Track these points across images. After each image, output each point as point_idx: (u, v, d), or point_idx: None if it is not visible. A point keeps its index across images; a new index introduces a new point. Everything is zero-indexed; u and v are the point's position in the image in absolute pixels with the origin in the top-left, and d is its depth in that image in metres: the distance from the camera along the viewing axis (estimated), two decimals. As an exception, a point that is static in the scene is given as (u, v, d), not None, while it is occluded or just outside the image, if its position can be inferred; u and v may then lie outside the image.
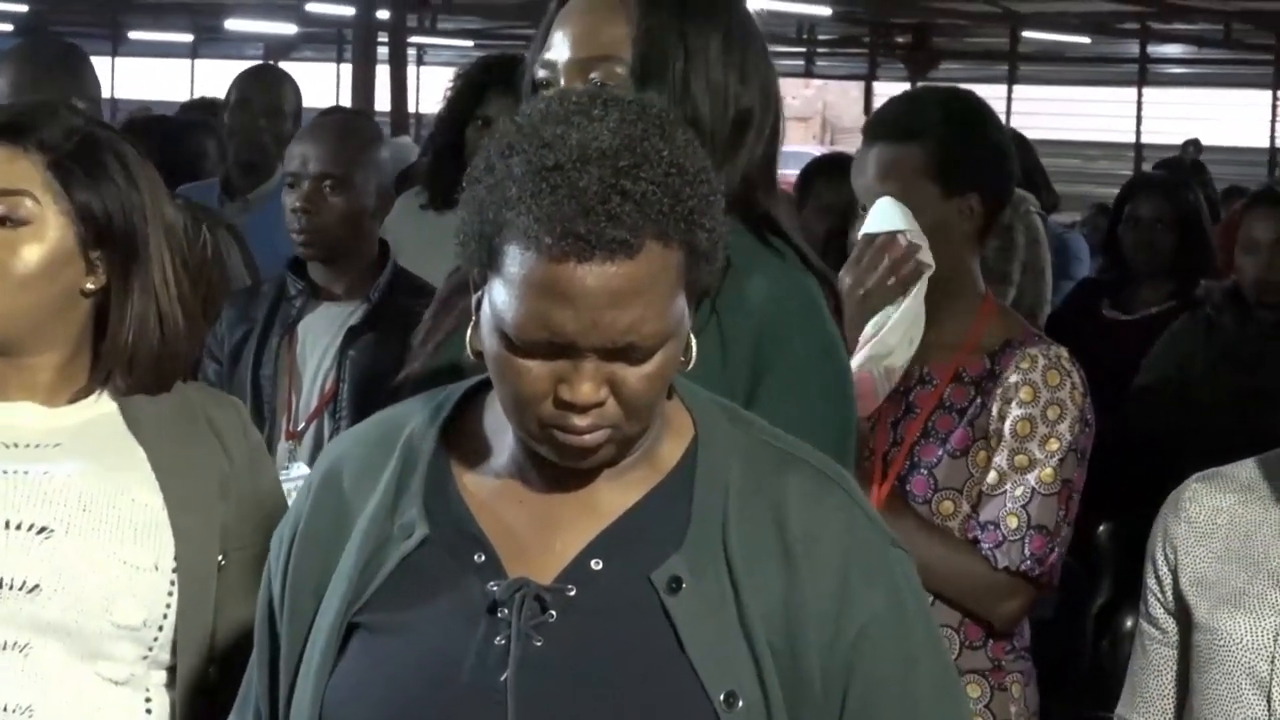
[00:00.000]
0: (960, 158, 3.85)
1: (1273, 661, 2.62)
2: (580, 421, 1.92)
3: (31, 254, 2.51)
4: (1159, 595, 2.76)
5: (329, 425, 4.21)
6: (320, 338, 4.29)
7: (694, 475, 2.04)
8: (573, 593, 2.00)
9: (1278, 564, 2.64)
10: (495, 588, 2.00)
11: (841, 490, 2.10)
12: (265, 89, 6.31)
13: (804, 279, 2.58)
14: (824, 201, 5.46)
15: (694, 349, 2.00)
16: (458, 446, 2.08)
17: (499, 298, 1.89)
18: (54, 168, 2.50)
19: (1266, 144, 25.19)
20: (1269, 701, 2.59)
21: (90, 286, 2.55)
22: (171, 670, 2.55)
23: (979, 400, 3.75)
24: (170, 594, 2.53)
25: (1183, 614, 2.71)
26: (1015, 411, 3.75)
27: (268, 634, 2.14)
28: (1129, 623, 5.34)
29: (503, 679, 1.96)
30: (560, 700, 1.97)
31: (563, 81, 2.47)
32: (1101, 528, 5.82)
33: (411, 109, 16.46)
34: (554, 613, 1.99)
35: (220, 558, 2.58)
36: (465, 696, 1.99)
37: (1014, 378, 3.76)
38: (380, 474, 2.09)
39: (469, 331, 2.01)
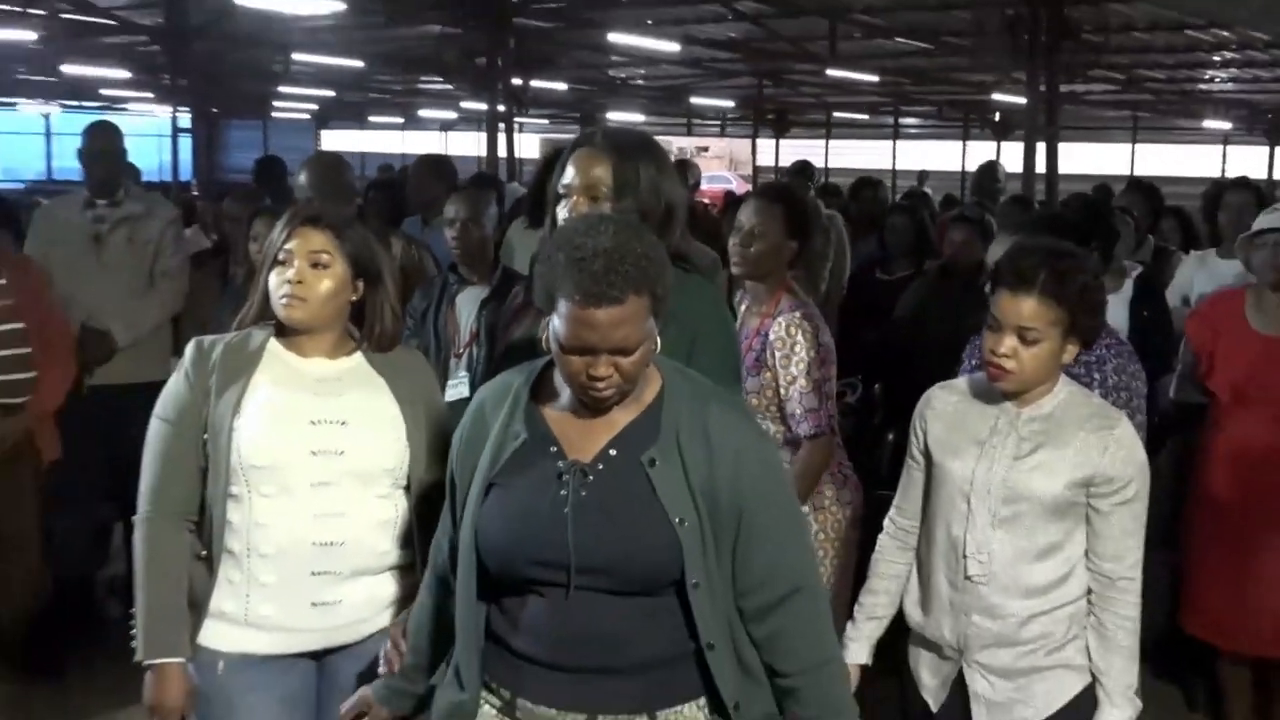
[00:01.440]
0: (795, 213, 3.93)
1: (971, 483, 2.73)
2: (600, 385, 2.09)
3: (328, 284, 2.69)
4: (916, 445, 2.89)
5: (475, 350, 4.29)
6: (468, 305, 4.39)
7: (662, 406, 2.17)
8: (601, 467, 2.14)
9: (975, 433, 2.77)
10: (561, 465, 2.15)
11: (737, 411, 2.23)
12: (424, 170, 6.17)
13: (705, 287, 2.61)
14: (732, 219, 5.34)
15: (659, 342, 2.13)
16: (540, 393, 2.23)
17: (556, 324, 2.08)
18: (337, 238, 2.70)
19: (959, 170, 24.68)
20: (968, 503, 2.73)
21: (354, 298, 2.75)
22: (404, 490, 2.73)
23: (761, 345, 3.73)
24: (405, 450, 2.71)
25: (927, 456, 2.85)
26: (777, 352, 3.71)
27: (450, 489, 2.30)
28: (890, 435, 5.35)
29: (565, 511, 2.11)
30: (594, 522, 2.10)
31: (574, 196, 2.52)
32: (876, 386, 5.77)
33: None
34: (591, 477, 2.13)
35: (424, 433, 2.73)
36: (546, 521, 2.12)
37: (773, 334, 3.73)
38: (502, 407, 2.22)
39: (541, 336, 2.20)
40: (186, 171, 19.97)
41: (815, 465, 3.71)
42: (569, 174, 2.54)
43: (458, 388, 4.23)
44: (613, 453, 2.14)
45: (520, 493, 2.14)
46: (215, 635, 2.67)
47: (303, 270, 2.66)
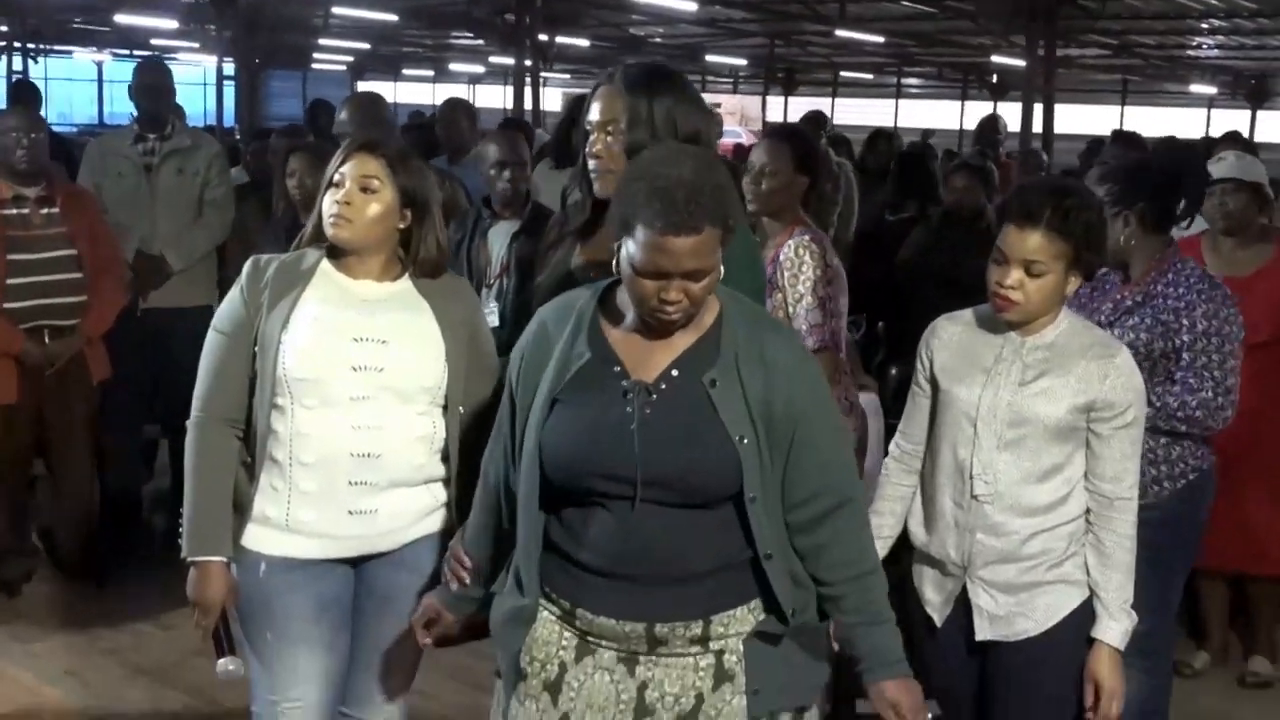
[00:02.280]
0: (804, 151, 3.95)
1: (977, 408, 2.71)
2: (671, 309, 2.07)
3: (376, 208, 2.65)
4: (923, 373, 2.86)
5: (505, 282, 4.27)
6: (500, 237, 4.37)
7: (720, 330, 2.16)
8: (663, 387, 2.12)
9: (981, 361, 2.75)
10: (625, 384, 2.12)
11: (790, 339, 2.25)
12: (455, 113, 6.15)
13: (740, 228, 2.53)
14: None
15: (722, 271, 2.10)
16: (603, 314, 2.20)
17: (631, 250, 2.05)
18: (389, 166, 2.67)
19: (958, 128, 24.56)
20: (975, 427, 2.71)
21: (401, 226, 2.70)
22: (442, 409, 2.71)
23: (773, 270, 3.72)
24: (444, 372, 2.69)
25: (933, 383, 2.83)
26: (786, 272, 3.69)
27: (509, 405, 2.25)
28: (893, 371, 5.23)
29: (632, 428, 2.09)
30: (660, 439, 2.08)
31: (594, 133, 2.53)
32: (879, 324, 5.64)
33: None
34: (654, 396, 2.11)
35: (465, 354, 2.71)
36: (615, 436, 2.09)
37: (782, 256, 3.72)
38: (565, 326, 2.19)
39: (614, 260, 2.10)
40: (230, 119, 19.88)
41: (830, 374, 3.64)
42: (591, 112, 2.54)
43: (488, 317, 4.19)
44: (674, 373, 2.12)
45: (586, 409, 2.12)
46: (257, 538, 2.65)
47: (352, 193, 2.64)
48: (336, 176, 2.66)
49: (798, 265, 3.69)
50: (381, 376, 2.62)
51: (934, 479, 2.79)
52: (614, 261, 2.10)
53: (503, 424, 2.27)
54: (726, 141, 21.81)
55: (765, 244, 3.87)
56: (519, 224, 4.31)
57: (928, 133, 20.90)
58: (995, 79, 25.40)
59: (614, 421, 2.09)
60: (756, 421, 2.08)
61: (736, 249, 2.36)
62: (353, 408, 2.60)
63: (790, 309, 3.69)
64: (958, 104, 29.00)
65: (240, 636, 2.72)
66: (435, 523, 2.73)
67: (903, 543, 2.88)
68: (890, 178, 6.72)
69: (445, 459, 2.72)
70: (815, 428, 2.15)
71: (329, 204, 2.66)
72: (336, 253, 2.71)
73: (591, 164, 2.55)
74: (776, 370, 2.12)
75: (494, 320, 4.16)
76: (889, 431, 3.76)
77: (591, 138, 2.52)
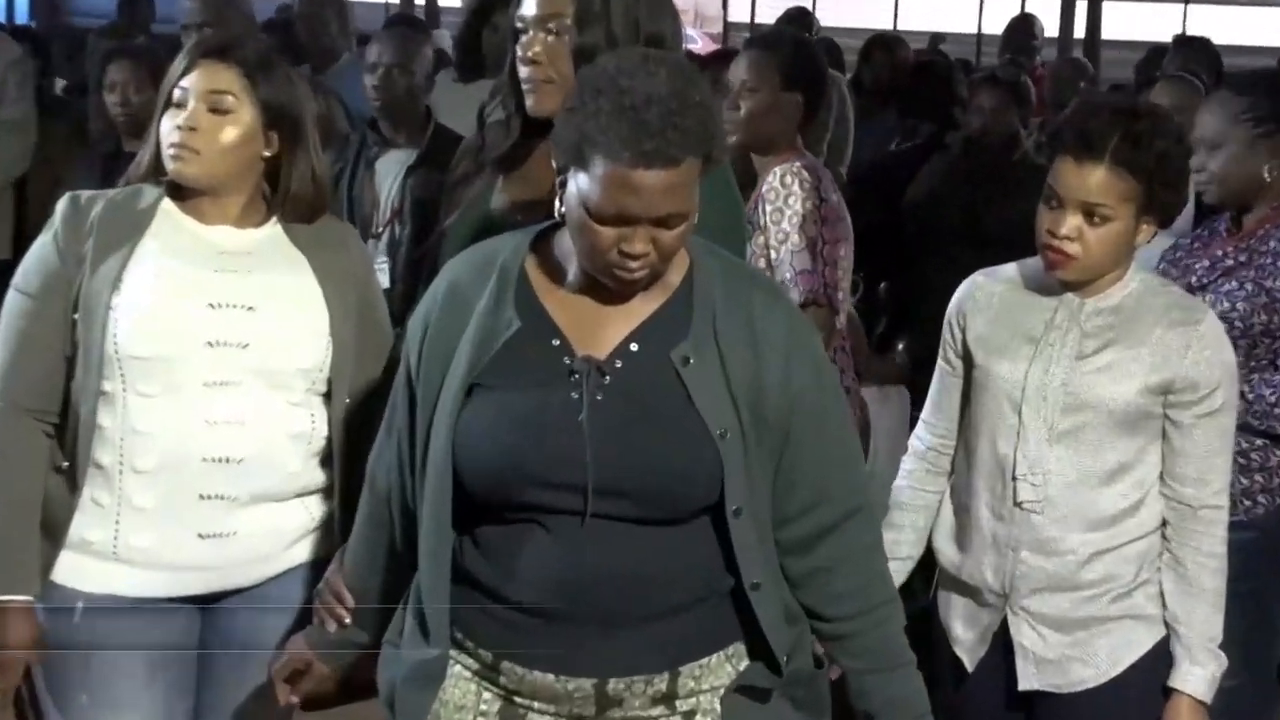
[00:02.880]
0: (797, 60, 3.95)
1: (1023, 389, 2.73)
2: (634, 264, 2.06)
3: (231, 132, 2.62)
4: (952, 345, 2.88)
5: (398, 228, 4.38)
6: (390, 171, 4.43)
7: (692, 291, 2.17)
8: (619, 365, 2.12)
9: (1028, 328, 2.77)
10: (569, 361, 2.12)
11: (785, 302, 2.28)
12: (320, 9, 6.09)
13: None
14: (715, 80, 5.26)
15: (697, 216, 2.10)
16: (536, 269, 2.19)
17: (584, 186, 2.03)
18: (247, 76, 2.64)
19: (975, 31, 24.81)
20: (1019, 414, 2.73)
21: (266, 155, 2.69)
22: (325, 396, 2.70)
23: (754, 207, 3.76)
24: (327, 349, 2.68)
25: (967, 358, 2.85)
26: (768, 208, 3.73)
27: (406, 390, 2.24)
28: (899, 345, 5.24)
29: (580, 419, 2.08)
30: (616, 433, 2.09)
31: (530, 31, 2.52)
32: (882, 285, 5.66)
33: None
34: (609, 378, 2.11)
35: (354, 325, 2.71)
36: (555, 431, 2.09)
37: (765, 187, 3.76)
38: (485, 286, 2.18)
39: (557, 201, 2.10)
40: (23, 13, 19.52)
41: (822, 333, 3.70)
42: (525, 4, 2.53)
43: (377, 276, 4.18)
44: (634, 348, 2.12)
45: (517, 396, 2.11)
46: (75, 570, 2.62)
47: (199, 114, 2.61)
48: (177, 93, 2.64)
49: (783, 197, 3.72)
50: (246, 355, 2.61)
51: (967, 482, 2.80)
52: (556, 200, 2.09)
53: (396, 416, 2.26)
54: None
55: (754, 186, 3.88)
56: (416, 153, 4.31)
57: (937, 37, 20.92)
58: (1023, -32, 25.64)
59: (555, 412, 2.08)
60: (742, 410, 2.09)
61: (713, 190, 2.36)
62: (208, 396, 2.58)
63: (773, 253, 3.72)
64: (974, 0, 29.17)
65: (49, 702, 2.66)
66: (312, 549, 2.72)
67: (925, 566, 2.91)
68: (895, 97, 6.72)
69: (326, 464, 2.71)
70: (817, 419, 2.16)
71: (169, 129, 2.63)
72: (181, 191, 2.69)
73: (524, 71, 2.53)
74: (768, 343, 2.12)
75: (383, 280, 4.12)
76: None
77: (525, 38, 2.51)
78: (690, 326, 2.12)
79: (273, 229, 2.73)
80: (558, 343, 2.13)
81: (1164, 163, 2.63)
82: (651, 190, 1.99)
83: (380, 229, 4.30)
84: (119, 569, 2.61)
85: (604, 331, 2.13)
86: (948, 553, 2.83)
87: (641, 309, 2.14)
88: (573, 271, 2.14)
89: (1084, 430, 2.66)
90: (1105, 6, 14.16)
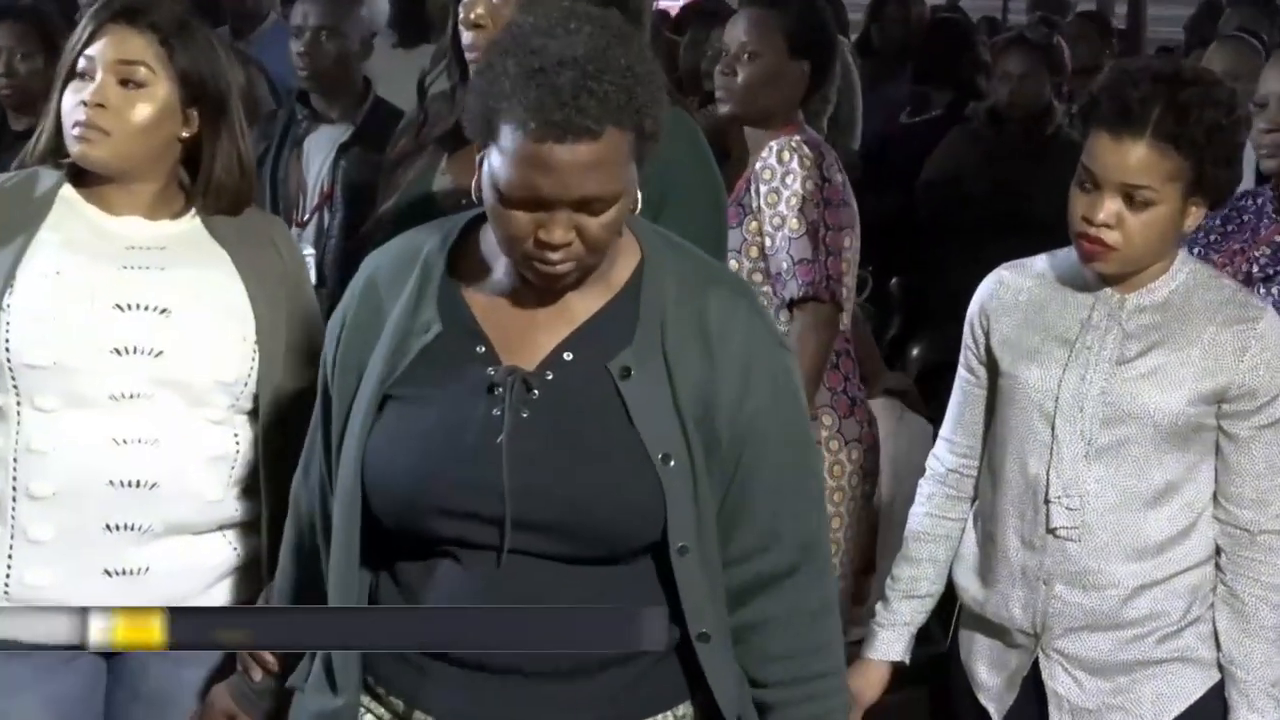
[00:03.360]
0: (803, 23, 3.95)
1: (1056, 399, 2.75)
2: (554, 256, 2.06)
3: (145, 109, 2.63)
4: (975, 351, 2.90)
5: (327, 217, 4.45)
6: (320, 151, 4.49)
7: (640, 290, 2.17)
8: (550, 377, 2.13)
9: (1061, 330, 2.79)
10: (493, 372, 2.13)
11: (747, 303, 2.24)
12: None
13: (685, 121, 2.70)
14: (696, 40, 5.26)
15: (639, 199, 2.12)
16: (462, 264, 2.21)
17: (495, 163, 2.04)
18: (163, 44, 2.65)
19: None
20: (1052, 428, 2.75)
21: (184, 135, 2.70)
22: (250, 414, 2.73)
23: (746, 187, 3.81)
24: (253, 359, 2.70)
25: (991, 365, 2.87)
26: (762, 189, 3.76)
27: (322, 403, 2.29)
28: (914, 351, 5.25)
29: (499, 440, 2.09)
30: (541, 457, 2.10)
31: None
32: (893, 280, 5.66)
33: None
34: (536, 392, 2.12)
35: (284, 332, 2.73)
36: (471, 453, 2.10)
37: (759, 165, 3.80)
38: (405, 283, 2.21)
39: (474, 181, 2.11)
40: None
41: (810, 350, 3.70)
42: None
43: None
44: (568, 357, 2.13)
45: (432, 410, 2.13)
46: None
47: (107, 88, 2.61)
48: (82, 62, 2.64)
49: (780, 175, 3.75)
50: (159, 365, 2.62)
51: (993, 506, 2.83)
52: (472, 186, 2.11)
53: (316, 430, 2.31)
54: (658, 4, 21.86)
55: (745, 164, 3.91)
56: (350, 129, 4.33)
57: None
58: (1055, -88, 25.74)
59: (473, 429, 2.10)
60: (689, 432, 2.10)
61: (675, 150, 2.37)
62: (115, 411, 2.60)
63: (767, 241, 3.75)
64: (999, -51, 29.28)
65: None
66: (235, 588, 2.74)
67: (943, 604, 2.93)
68: (909, 61, 6.76)
69: (252, 492, 2.74)
70: (772, 448, 2.16)
71: (72, 105, 2.64)
72: (84, 176, 2.70)
73: (467, 38, 2.56)
74: (724, 351, 2.13)
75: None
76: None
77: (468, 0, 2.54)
78: (634, 332, 2.12)
79: (190, 221, 2.74)
80: (482, 350, 2.14)
81: (1214, 136, 2.64)
82: (566, 168, 1.99)
83: (306, 217, 4.37)
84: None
85: (535, 338, 2.14)
86: (970, 588, 2.86)
87: (579, 311, 2.15)
88: (502, 267, 2.16)
89: (1126, 445, 2.69)
90: (1152, -45, 14.22)
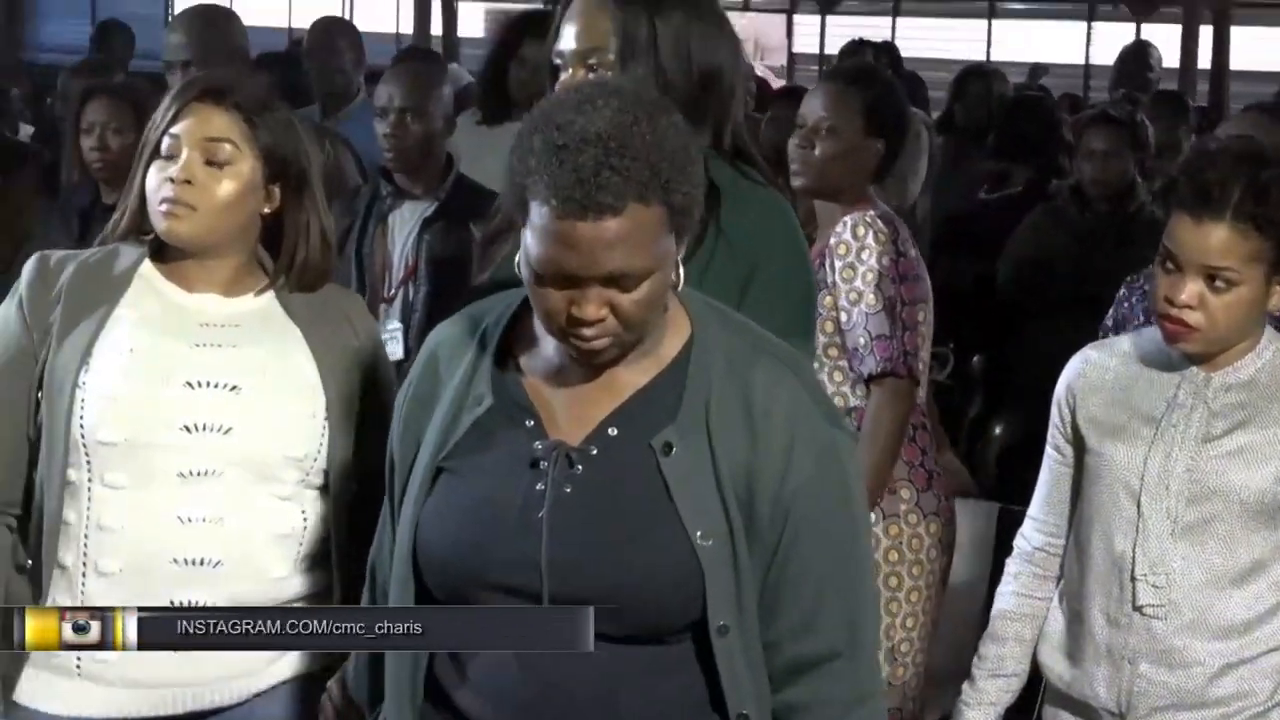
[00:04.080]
0: (881, 102, 3.98)
1: (1142, 477, 2.77)
2: (588, 332, 2.06)
3: (230, 186, 2.66)
4: (1062, 430, 2.93)
5: (412, 291, 4.47)
6: (404, 226, 4.51)
7: (688, 365, 2.16)
8: (594, 452, 2.14)
9: (1148, 408, 2.81)
10: (539, 446, 2.14)
11: (795, 378, 2.20)
12: (331, 39, 6.31)
13: (781, 203, 2.67)
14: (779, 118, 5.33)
15: (683, 273, 2.13)
16: (518, 339, 2.22)
17: (528, 240, 2.07)
18: (246, 122, 2.69)
19: (1082, 62, 24.74)
20: (1138, 505, 2.77)
21: (266, 211, 2.74)
22: (321, 490, 2.74)
23: (821, 262, 3.80)
24: (323, 435, 2.71)
25: (1079, 443, 2.90)
26: (838, 264, 3.78)
27: (389, 475, 2.31)
28: (997, 429, 5.23)
29: (540, 516, 2.10)
30: (580, 533, 2.10)
31: (569, 68, 2.58)
32: (975, 358, 5.61)
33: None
34: (580, 467, 2.12)
35: (356, 408, 2.75)
36: (513, 528, 2.11)
37: (833, 239, 3.82)
38: (464, 355, 2.23)
39: (517, 258, 2.11)
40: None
41: (886, 425, 3.73)
42: (564, 37, 2.57)
43: (389, 346, 4.22)
44: (612, 432, 2.13)
45: (480, 483, 2.15)
46: (38, 689, 2.65)
47: (193, 166, 2.63)
48: (167, 141, 2.66)
49: (856, 250, 3.77)
50: (227, 441, 2.64)
51: (1080, 585, 2.84)
52: (515, 262, 2.11)
53: (387, 501, 2.32)
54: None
55: (814, 238, 3.93)
56: (434, 204, 4.40)
57: (1038, 68, 20.99)
58: (1138, -11, 25.69)
59: (517, 503, 2.10)
60: (731, 510, 2.08)
61: (769, 230, 2.41)
62: (182, 489, 2.61)
63: (843, 316, 3.78)
64: (1081, 25, 29.22)
65: None
66: (302, 661, 2.72)
67: (1030, 683, 2.93)
68: (991, 137, 6.76)
69: (319, 568, 2.74)
70: (815, 527, 2.12)
71: (157, 182, 2.65)
72: (166, 252, 2.72)
73: None
74: (768, 426, 2.11)
75: (396, 351, 4.22)
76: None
77: (565, 75, 2.54)
78: (679, 408, 2.11)
79: (267, 298, 2.75)
80: (530, 424, 2.15)
81: None
82: (591, 244, 1.98)
83: (392, 292, 4.39)
84: (84, 686, 2.63)
85: (582, 412, 2.14)
86: (1056, 666, 2.87)
87: (626, 386, 2.14)
88: (551, 343, 2.15)
89: (1212, 523, 2.70)
90: (1234, 31, 14.15)
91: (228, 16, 5.08)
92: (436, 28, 16.31)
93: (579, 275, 2.01)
